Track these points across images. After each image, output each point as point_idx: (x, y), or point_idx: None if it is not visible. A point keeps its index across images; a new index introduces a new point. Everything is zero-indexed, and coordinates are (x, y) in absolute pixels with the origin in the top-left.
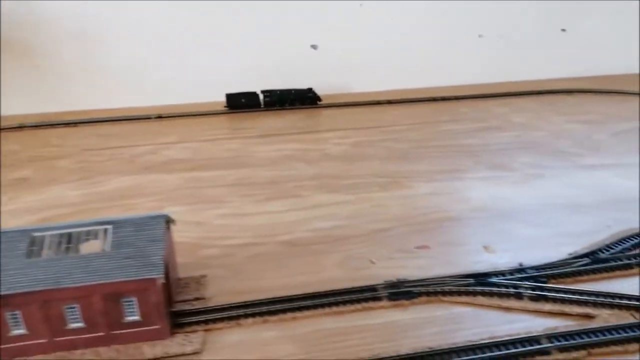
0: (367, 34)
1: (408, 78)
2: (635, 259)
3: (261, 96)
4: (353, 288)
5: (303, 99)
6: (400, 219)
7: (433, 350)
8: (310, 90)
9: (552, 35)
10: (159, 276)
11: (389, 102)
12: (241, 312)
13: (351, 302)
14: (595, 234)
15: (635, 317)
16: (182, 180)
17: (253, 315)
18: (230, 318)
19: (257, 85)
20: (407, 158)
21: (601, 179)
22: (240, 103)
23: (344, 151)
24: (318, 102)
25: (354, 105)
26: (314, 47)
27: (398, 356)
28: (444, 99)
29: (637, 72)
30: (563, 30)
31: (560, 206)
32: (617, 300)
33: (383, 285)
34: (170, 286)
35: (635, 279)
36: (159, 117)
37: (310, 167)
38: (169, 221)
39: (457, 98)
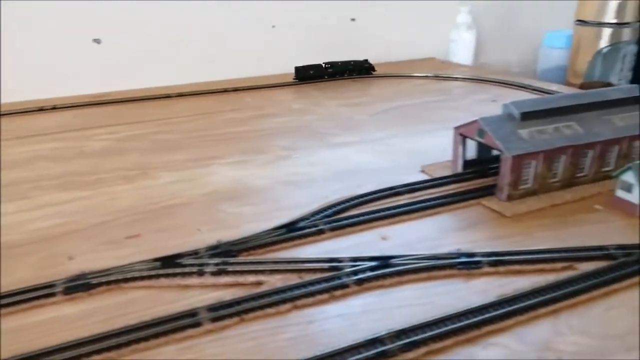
0: (151, 30)
1: (200, 71)
2: (329, 224)
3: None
4: (27, 288)
5: (360, 70)
6: (127, 210)
7: (79, 340)
8: (366, 61)
9: (343, 24)
10: None
11: (180, 95)
12: None
13: (19, 302)
14: (311, 205)
15: (301, 278)
16: None
17: None
18: None
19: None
20: (170, 149)
21: (342, 155)
22: (309, 75)
23: (104, 147)
24: (372, 72)
25: (139, 100)
26: (96, 41)
27: (35, 352)
28: (225, 90)
29: (421, 57)
30: (352, 19)
31: (292, 183)
32: (292, 265)
33: (62, 280)
34: None
35: (327, 243)
36: None
37: (58, 165)
38: None
39: (236, 89)
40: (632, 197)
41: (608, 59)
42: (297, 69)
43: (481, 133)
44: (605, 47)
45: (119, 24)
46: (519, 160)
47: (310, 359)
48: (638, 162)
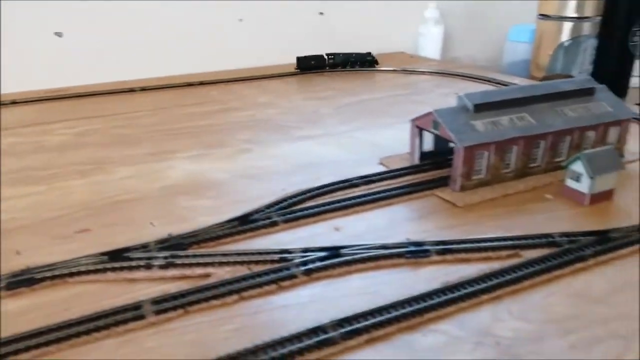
0: (116, 23)
1: (173, 65)
2: (283, 216)
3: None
4: None
5: (362, 62)
6: (80, 205)
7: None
8: (369, 54)
9: (310, 18)
10: None
11: (144, 89)
12: None
13: None
14: (269, 198)
15: (250, 270)
16: None
17: None
18: None
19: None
20: (128, 143)
21: (303, 148)
22: (310, 65)
23: (62, 142)
24: (375, 65)
25: (101, 94)
26: (58, 34)
27: None
28: (190, 84)
29: (391, 51)
30: (321, 13)
31: (251, 176)
32: (241, 257)
33: (6, 276)
34: None
35: (280, 234)
36: None
37: (15, 161)
38: None
39: (202, 83)
40: (580, 187)
41: (569, 52)
42: (299, 59)
43: (436, 125)
44: (567, 40)
45: (81, 16)
46: (471, 151)
47: (250, 348)
48: (586, 152)
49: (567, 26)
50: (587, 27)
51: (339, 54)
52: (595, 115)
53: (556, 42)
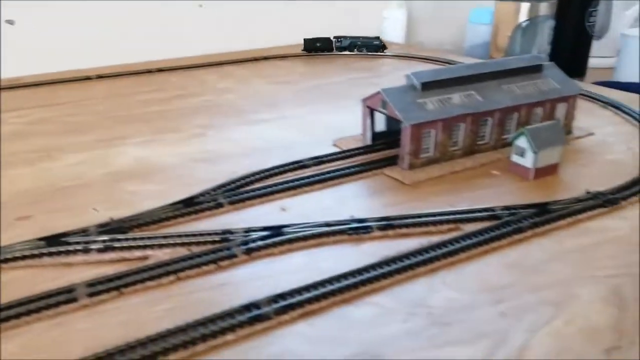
0: (77, 10)
1: (131, 52)
2: (229, 198)
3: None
4: None
5: (370, 46)
6: (23, 193)
7: None
8: (377, 38)
9: (275, 4)
10: None
11: (100, 77)
12: None
13: None
14: (218, 181)
15: (191, 251)
16: None
17: None
18: None
19: None
20: (80, 131)
21: (258, 132)
22: (316, 47)
23: (12, 130)
24: (383, 50)
25: (56, 83)
26: (9, 22)
27: None
28: (149, 71)
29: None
30: None
31: (202, 160)
32: (182, 239)
33: None
34: None
35: (225, 216)
36: None
37: None
38: None
39: (160, 70)
40: (525, 162)
41: (527, 33)
42: (306, 40)
43: (384, 104)
44: (524, 21)
45: (35, 2)
46: (418, 129)
47: (181, 326)
48: (530, 127)
49: (525, 7)
50: (544, 8)
51: (346, 37)
52: (543, 91)
53: (514, 24)
